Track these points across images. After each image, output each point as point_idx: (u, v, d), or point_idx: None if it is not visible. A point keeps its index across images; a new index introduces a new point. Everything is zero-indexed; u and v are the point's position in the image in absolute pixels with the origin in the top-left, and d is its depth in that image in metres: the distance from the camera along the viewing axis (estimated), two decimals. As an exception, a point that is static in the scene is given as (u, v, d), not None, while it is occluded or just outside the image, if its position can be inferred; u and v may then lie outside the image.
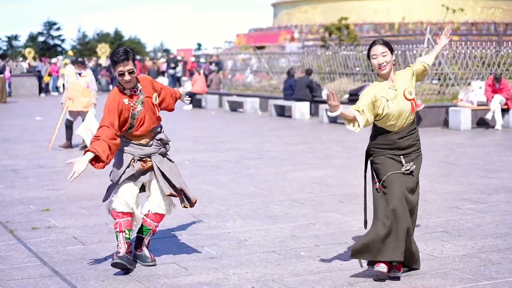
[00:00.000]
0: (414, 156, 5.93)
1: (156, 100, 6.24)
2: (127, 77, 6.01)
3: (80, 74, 14.58)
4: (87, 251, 6.77)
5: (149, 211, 6.22)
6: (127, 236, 6.13)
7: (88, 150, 5.84)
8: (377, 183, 5.84)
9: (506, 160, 12.62)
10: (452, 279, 5.82)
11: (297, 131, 18.48)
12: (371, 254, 5.72)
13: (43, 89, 37.89)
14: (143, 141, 6.19)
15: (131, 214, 6.14)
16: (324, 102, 21.71)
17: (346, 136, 16.68)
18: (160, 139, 6.25)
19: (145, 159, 6.19)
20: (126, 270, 6.05)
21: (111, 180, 6.19)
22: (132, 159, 6.15)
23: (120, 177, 6.09)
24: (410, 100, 5.86)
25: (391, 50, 5.87)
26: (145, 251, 6.30)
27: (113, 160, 6.13)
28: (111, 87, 40.55)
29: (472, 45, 21.93)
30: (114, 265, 6.00)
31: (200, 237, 7.29)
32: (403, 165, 5.83)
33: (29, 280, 5.89)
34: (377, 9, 42.32)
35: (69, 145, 14.70)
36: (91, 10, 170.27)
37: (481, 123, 19.15)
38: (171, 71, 39.33)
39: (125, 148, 6.16)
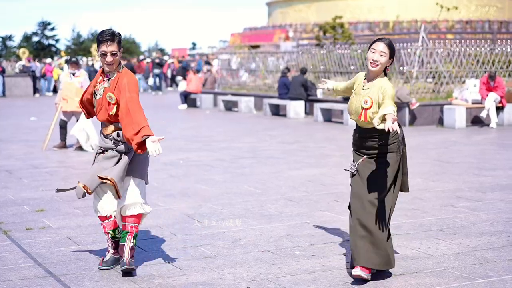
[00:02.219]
0: (376, 160, 5.80)
1: (110, 100, 5.94)
2: (108, 58, 5.89)
3: (74, 74, 14.55)
4: (81, 251, 6.75)
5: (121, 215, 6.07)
6: (112, 235, 6.17)
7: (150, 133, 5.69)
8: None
9: (500, 158, 12.63)
10: (447, 277, 5.81)
11: (291, 130, 18.47)
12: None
13: (37, 89, 37.84)
14: (105, 131, 6.07)
15: (106, 216, 6.15)
16: (319, 101, 21.72)
17: (341, 135, 16.67)
18: (113, 138, 6.01)
19: (105, 152, 6.05)
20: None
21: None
22: (97, 152, 6.12)
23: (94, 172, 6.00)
24: (363, 108, 5.75)
25: (392, 56, 5.78)
26: (125, 257, 5.94)
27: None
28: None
29: (467, 43, 21.96)
30: (102, 269, 6.11)
31: (195, 236, 7.27)
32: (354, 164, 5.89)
33: (23, 281, 5.87)
34: (371, 8, 42.38)
35: (63, 145, 14.67)
36: (86, 10, 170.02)
37: (476, 121, 19.17)
38: (156, 71, 39.23)
39: (99, 135, 6.20)
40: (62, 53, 64.34)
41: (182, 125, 20.39)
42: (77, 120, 14.37)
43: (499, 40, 25.04)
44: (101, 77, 6.09)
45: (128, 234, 6.02)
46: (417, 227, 7.56)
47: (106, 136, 6.08)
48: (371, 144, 5.83)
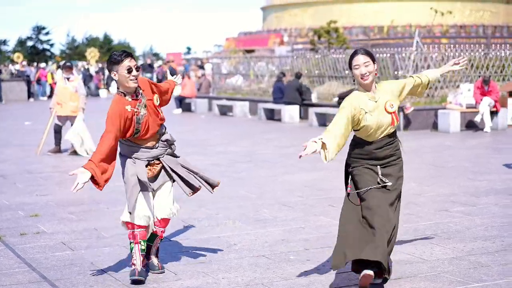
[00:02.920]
0: (393, 167, 5.80)
1: (157, 102, 6.08)
2: (134, 72, 5.85)
3: (68, 79, 14.54)
4: (76, 256, 6.74)
5: (155, 217, 6.09)
6: (142, 247, 6.00)
7: (87, 168, 5.61)
8: (349, 188, 5.80)
9: (494, 162, 12.65)
10: (442, 282, 5.82)
11: (286, 135, 18.48)
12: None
13: (32, 93, 37.79)
14: (149, 144, 6.04)
15: (146, 226, 6.03)
16: (313, 105, 21.74)
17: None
18: (166, 140, 6.12)
19: (152, 161, 6.04)
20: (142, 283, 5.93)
21: (124, 182, 6.00)
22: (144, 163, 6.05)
23: (134, 186, 5.93)
24: (390, 113, 5.70)
25: (373, 60, 5.71)
26: (153, 259, 6.20)
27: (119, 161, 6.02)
28: (100, 92, 40.43)
29: (461, 48, 22.00)
30: (134, 282, 5.86)
31: (190, 241, 7.27)
32: (377, 176, 5.71)
33: (18, 286, 5.86)
34: (366, 12, 42.46)
35: (58, 150, 14.65)
36: (80, 14, 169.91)
37: (470, 125, 19.20)
38: (147, 75, 39.14)
39: (133, 153, 6.01)
40: (58, 58, 64.34)
41: (177, 129, 20.36)
42: (72, 125, 14.35)
43: (493, 45, 25.07)
44: (127, 104, 5.87)
45: (158, 237, 6.18)
46: (412, 231, 7.57)
47: (151, 148, 6.04)
48: (387, 153, 5.77)
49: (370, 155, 5.76)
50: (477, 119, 18.64)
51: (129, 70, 5.85)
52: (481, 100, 18.72)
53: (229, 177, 11.42)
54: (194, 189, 6.25)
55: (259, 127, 20.91)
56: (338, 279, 5.95)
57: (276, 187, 10.43)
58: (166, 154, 6.14)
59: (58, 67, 41.56)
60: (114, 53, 5.93)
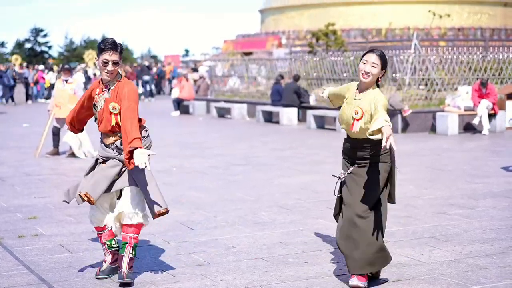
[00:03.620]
0: (365, 168, 5.80)
1: (113, 110, 5.86)
2: (110, 67, 5.81)
3: (66, 81, 14.54)
4: (74, 259, 6.74)
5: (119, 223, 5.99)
6: (109, 245, 6.11)
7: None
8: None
9: (493, 165, 12.66)
10: (440, 284, 5.82)
11: (284, 137, 18.48)
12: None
13: (30, 95, 37.78)
14: (106, 141, 6.00)
15: (102, 227, 6.09)
16: (311, 108, 21.75)
17: (334, 142, 16.69)
18: (116, 146, 5.95)
19: (107, 162, 5.98)
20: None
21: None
22: (96, 160, 6.05)
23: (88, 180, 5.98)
24: (354, 118, 5.75)
25: (384, 67, 5.78)
26: (123, 268, 5.86)
27: None
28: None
29: (459, 51, 22.03)
30: (98, 278, 6.05)
31: (188, 244, 7.27)
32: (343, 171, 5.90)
33: (16, 289, 5.87)
34: (363, 15, 42.49)
35: (56, 152, 14.64)
36: (78, 16, 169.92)
37: (468, 128, 19.22)
38: (146, 77, 39.00)
39: (100, 147, 6.08)
40: (50, 60, 64.28)
41: (175, 132, 20.38)
42: None
43: (491, 47, 25.13)
44: (99, 89, 5.99)
45: (127, 245, 5.92)
46: (410, 234, 7.58)
47: (107, 146, 6.01)
48: (361, 155, 5.83)
49: (347, 151, 5.97)
50: (475, 121, 18.66)
51: (105, 63, 5.83)
52: (479, 102, 18.74)
53: (226, 179, 11.42)
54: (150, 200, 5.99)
55: (257, 129, 20.91)
56: (336, 281, 5.95)
57: (274, 189, 10.43)
58: (119, 160, 5.93)
59: (51, 69, 41.59)
60: (103, 41, 5.90)
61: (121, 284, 5.87)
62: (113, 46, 5.82)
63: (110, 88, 5.94)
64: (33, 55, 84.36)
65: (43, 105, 32.06)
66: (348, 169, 5.88)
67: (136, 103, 5.86)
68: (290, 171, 12.27)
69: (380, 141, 5.56)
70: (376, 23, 41.78)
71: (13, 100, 35.37)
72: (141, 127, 5.99)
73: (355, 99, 5.83)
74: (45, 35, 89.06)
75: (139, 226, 5.95)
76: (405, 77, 21.01)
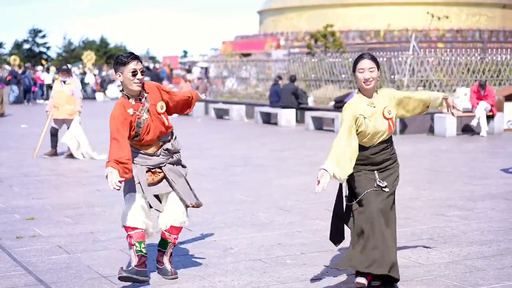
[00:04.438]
0: (390, 171, 5.82)
1: (162, 109, 6.01)
2: (139, 75, 5.83)
3: (64, 82, 14.53)
4: (72, 260, 6.74)
5: (166, 225, 6.05)
6: (137, 249, 5.90)
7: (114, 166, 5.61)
8: (354, 203, 5.81)
9: (491, 167, 12.67)
10: (438, 286, 5.82)
11: (283, 138, 18.48)
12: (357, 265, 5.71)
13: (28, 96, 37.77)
14: (150, 151, 6.00)
15: (141, 228, 5.97)
16: (310, 109, 21.75)
17: (332, 143, 16.66)
18: (167, 149, 6.06)
19: (153, 170, 6.01)
20: (137, 282, 5.89)
21: (124, 192, 6.02)
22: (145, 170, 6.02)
23: (132, 189, 5.95)
24: (388, 119, 5.73)
25: (378, 66, 5.77)
26: (166, 264, 6.15)
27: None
28: (97, 95, 40.38)
29: (457, 52, 22.05)
30: (120, 279, 5.76)
31: (186, 245, 7.27)
32: (375, 180, 5.75)
33: (14, 290, 5.86)
34: (362, 16, 42.49)
35: (54, 153, 14.64)
36: (77, 17, 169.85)
37: (466, 129, 19.23)
38: (146, 79, 39.08)
39: (133, 158, 5.96)
40: (43, 62, 64.28)
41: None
42: (68, 128, 14.34)
43: (489, 49, 25.15)
44: (129, 107, 5.86)
45: (171, 243, 6.12)
46: (408, 235, 7.58)
47: (152, 155, 6.01)
48: (383, 157, 5.80)
49: (366, 161, 5.79)
50: (473, 123, 18.67)
51: (134, 73, 5.82)
52: (477, 104, 18.75)
53: (224, 180, 11.42)
54: (185, 205, 6.14)
55: (255, 130, 20.91)
56: (334, 283, 5.94)
57: (272, 190, 10.43)
58: (169, 163, 6.09)
59: (47, 69, 41.58)
60: (121, 55, 5.91)
61: (167, 279, 6.11)
62: (135, 56, 5.85)
63: (145, 97, 5.95)
64: (32, 56, 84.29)
65: (42, 106, 32.06)
66: (375, 177, 5.77)
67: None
68: (289, 172, 12.27)
69: (391, 137, 5.82)
70: (374, 24, 41.78)
71: (35, 99, 36.73)
72: (172, 133, 6.26)
73: (374, 107, 5.74)
74: (43, 36, 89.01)
75: (180, 229, 6.13)
76: (403, 78, 21.03)
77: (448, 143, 17.00)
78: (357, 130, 5.71)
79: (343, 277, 6.07)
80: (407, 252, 6.86)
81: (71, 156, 14.35)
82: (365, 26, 41.98)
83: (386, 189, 5.74)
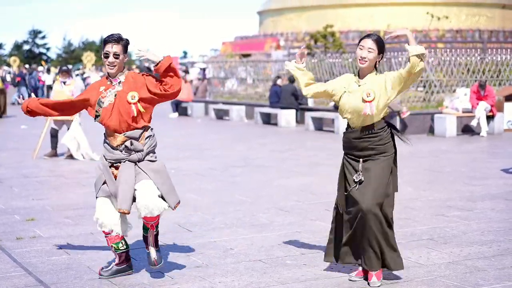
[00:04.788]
0: (375, 162, 5.81)
1: (132, 99, 5.84)
2: (110, 58, 5.84)
3: (64, 83, 14.52)
4: (72, 261, 6.73)
5: (139, 214, 5.93)
6: (116, 248, 6.10)
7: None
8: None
9: (491, 167, 12.66)
10: (438, 286, 5.82)
11: (283, 139, 18.48)
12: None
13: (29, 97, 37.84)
14: (113, 143, 5.93)
15: (109, 232, 6.05)
16: (310, 109, 21.74)
17: (332, 144, 16.68)
18: (126, 147, 5.90)
19: (116, 164, 5.96)
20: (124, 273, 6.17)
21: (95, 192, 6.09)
22: (104, 165, 6.02)
23: (100, 193, 5.99)
24: (366, 101, 5.72)
25: (381, 51, 5.79)
26: (151, 250, 6.11)
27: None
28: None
29: (457, 52, 22.04)
30: (102, 277, 6.08)
31: (186, 246, 7.26)
32: (355, 173, 5.82)
33: (14, 291, 5.86)
34: (361, 17, 42.50)
35: (54, 153, 14.63)
36: (77, 18, 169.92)
37: (466, 130, 19.22)
38: None
39: (105, 149, 6.01)
40: (43, 63, 64.30)
41: (173, 133, 20.37)
42: (68, 129, 14.34)
43: (489, 49, 25.14)
44: (103, 85, 5.97)
45: (150, 229, 6.07)
46: (408, 236, 7.57)
47: (115, 148, 5.95)
48: (366, 145, 5.81)
49: (350, 143, 5.89)
50: (473, 123, 18.67)
51: (106, 55, 5.88)
52: (477, 104, 18.75)
53: (224, 181, 11.41)
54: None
55: (255, 131, 20.91)
56: (334, 283, 5.94)
57: (272, 191, 10.43)
58: (129, 161, 5.92)
59: (48, 70, 41.57)
60: (109, 34, 5.93)
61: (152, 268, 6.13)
62: (116, 38, 5.86)
63: (120, 82, 5.93)
64: (31, 57, 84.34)
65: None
66: (354, 167, 5.83)
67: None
68: (289, 172, 12.26)
69: (384, 128, 5.82)
70: (374, 25, 41.75)
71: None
72: (147, 127, 6.06)
73: (359, 85, 5.81)
74: (43, 37, 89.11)
75: (153, 218, 5.99)
76: (403, 79, 20.99)
77: (448, 143, 16.99)
78: (338, 101, 5.91)
79: (343, 277, 6.06)
80: (407, 253, 6.85)
81: (71, 157, 14.35)
82: (364, 26, 41.95)
83: (356, 184, 5.80)
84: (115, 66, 5.89)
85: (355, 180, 5.81)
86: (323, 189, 10.50)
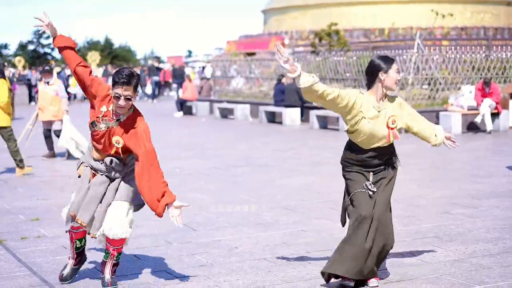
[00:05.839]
0: (384, 173, 5.81)
1: (117, 144, 5.65)
2: (121, 101, 5.50)
3: (48, 83, 14.40)
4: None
5: (102, 231, 5.75)
6: (77, 245, 6.00)
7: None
8: (348, 199, 5.86)
9: (496, 165, 12.64)
10: (444, 284, 5.81)
11: (287, 137, 18.46)
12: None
13: (33, 97, 37.86)
14: (96, 155, 5.84)
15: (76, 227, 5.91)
16: (314, 108, 21.72)
17: (337, 142, 16.65)
18: (105, 163, 5.79)
19: (94, 172, 5.87)
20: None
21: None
22: (83, 165, 5.98)
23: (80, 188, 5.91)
24: (390, 128, 5.73)
25: None
26: (106, 275, 5.84)
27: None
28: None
29: (462, 50, 22.01)
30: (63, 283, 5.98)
31: (191, 245, 7.26)
32: (367, 182, 5.75)
33: (18, 291, 5.86)
34: (366, 15, 42.42)
35: (52, 154, 14.53)
36: (81, 18, 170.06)
37: (471, 127, 19.19)
38: (155, 78, 38.94)
39: (88, 148, 6.00)
40: (51, 62, 64.29)
41: (178, 132, 20.38)
42: (57, 129, 14.24)
43: (494, 47, 25.07)
44: (106, 109, 5.68)
45: (111, 254, 5.82)
46: (413, 234, 7.56)
47: (96, 159, 5.85)
48: (378, 162, 5.79)
49: (362, 162, 5.81)
50: (478, 119, 18.62)
51: (117, 97, 5.54)
52: (482, 102, 18.72)
53: (227, 180, 11.40)
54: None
55: (260, 130, 20.90)
56: (339, 282, 5.92)
57: (276, 190, 10.41)
58: (110, 178, 5.82)
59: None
60: (118, 72, 5.59)
61: None
62: (127, 80, 5.50)
63: (119, 120, 5.66)
64: (36, 57, 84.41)
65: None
66: (367, 178, 5.78)
67: (151, 141, 5.69)
68: (293, 171, 12.25)
69: (393, 145, 5.83)
70: (379, 23, 41.70)
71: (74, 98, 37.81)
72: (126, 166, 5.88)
73: (379, 111, 5.73)
74: (48, 37, 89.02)
75: (123, 241, 5.80)
76: (408, 76, 20.99)
77: (453, 141, 16.93)
78: (353, 126, 5.71)
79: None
80: (412, 250, 6.84)
81: (70, 157, 14.21)
82: (369, 24, 41.90)
83: (372, 193, 5.72)
84: (124, 108, 5.59)
85: (369, 189, 5.76)
86: (327, 188, 10.48)
